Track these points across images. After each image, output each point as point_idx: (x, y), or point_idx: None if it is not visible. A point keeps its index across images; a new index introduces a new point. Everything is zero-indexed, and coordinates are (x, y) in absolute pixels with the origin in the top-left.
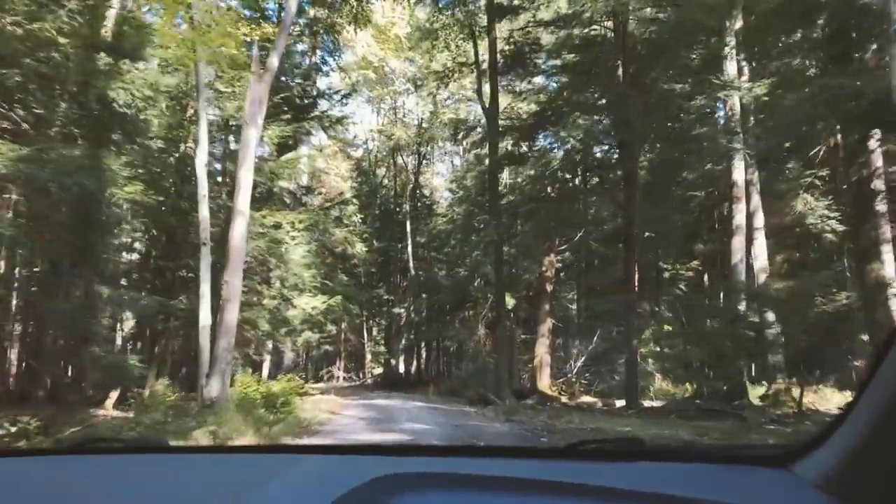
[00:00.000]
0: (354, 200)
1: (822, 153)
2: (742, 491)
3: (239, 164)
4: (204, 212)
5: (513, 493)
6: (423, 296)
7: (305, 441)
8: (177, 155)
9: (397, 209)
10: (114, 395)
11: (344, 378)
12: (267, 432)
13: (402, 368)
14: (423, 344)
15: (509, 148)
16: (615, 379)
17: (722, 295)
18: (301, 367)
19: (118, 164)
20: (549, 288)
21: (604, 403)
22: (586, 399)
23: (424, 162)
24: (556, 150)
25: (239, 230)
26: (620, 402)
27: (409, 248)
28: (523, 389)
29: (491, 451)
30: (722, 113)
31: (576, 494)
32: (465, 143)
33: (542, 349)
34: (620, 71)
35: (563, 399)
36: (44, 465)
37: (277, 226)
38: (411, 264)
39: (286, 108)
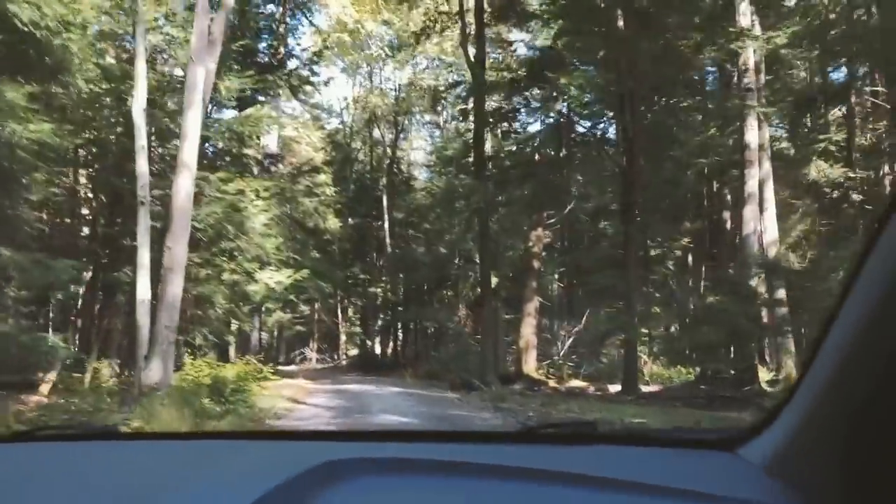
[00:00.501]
0: (326, 168)
1: (841, 114)
2: (690, 474)
3: (184, 107)
4: (142, 166)
5: (465, 478)
6: (401, 275)
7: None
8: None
9: (373, 184)
10: (51, 377)
11: (317, 360)
12: (211, 427)
13: (378, 350)
14: (399, 325)
15: (495, 106)
16: (602, 362)
17: (703, 276)
18: (272, 349)
19: (19, 93)
20: (536, 265)
21: (596, 388)
22: (576, 383)
23: (402, 135)
24: (541, 118)
25: (184, 187)
26: (613, 387)
27: (386, 225)
28: (508, 373)
29: (444, 436)
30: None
31: (530, 478)
32: (445, 113)
33: (528, 330)
34: (622, 18)
35: (552, 383)
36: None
37: (240, 192)
38: (388, 241)
39: (250, 62)
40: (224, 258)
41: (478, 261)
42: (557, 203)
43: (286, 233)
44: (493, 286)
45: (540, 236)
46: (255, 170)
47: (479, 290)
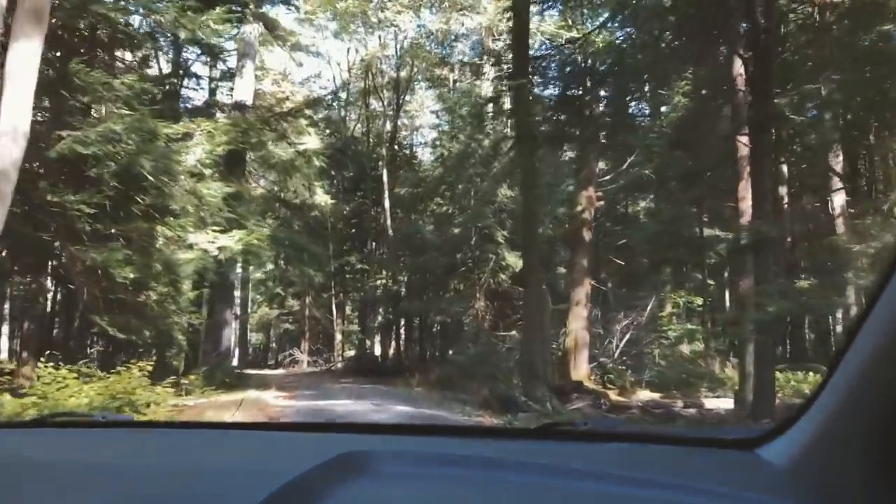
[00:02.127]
0: (309, 112)
1: None
2: (709, 473)
3: None
4: None
5: (481, 472)
6: (404, 260)
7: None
8: None
9: (371, 161)
10: None
11: (309, 362)
12: None
13: (378, 351)
14: (402, 321)
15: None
16: (659, 364)
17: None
18: (263, 350)
19: None
20: (586, 236)
21: (687, 404)
22: (646, 395)
23: (406, 96)
24: None
25: None
26: (715, 403)
27: (387, 204)
28: (557, 383)
29: (460, 431)
30: None
31: (547, 474)
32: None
33: (577, 323)
34: None
35: (613, 395)
36: (8, 437)
37: (186, 136)
38: (388, 223)
39: None
40: (139, 211)
41: (500, 239)
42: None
43: (265, 209)
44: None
45: (591, 198)
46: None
47: (500, 276)
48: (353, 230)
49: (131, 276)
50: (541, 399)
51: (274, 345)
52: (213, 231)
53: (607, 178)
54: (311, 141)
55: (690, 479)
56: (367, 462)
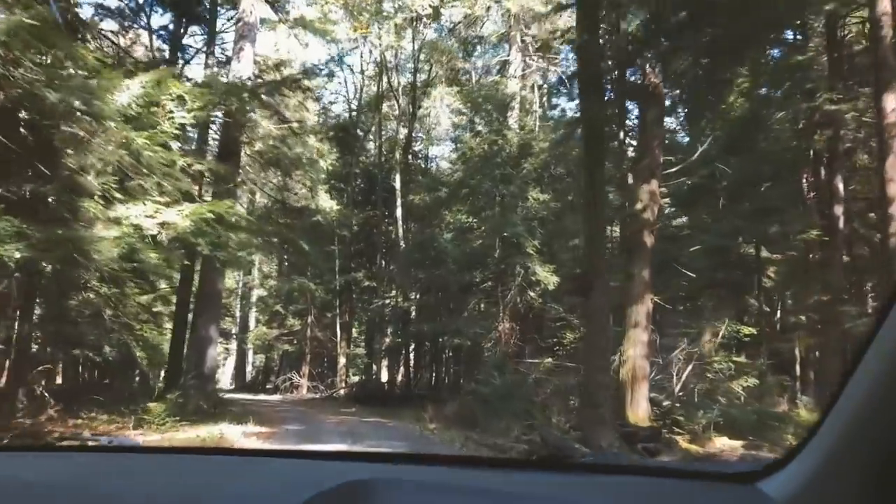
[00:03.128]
0: (306, 82)
1: None
2: None
3: None
4: None
5: (484, 501)
6: (417, 274)
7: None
8: None
9: (383, 172)
10: None
11: (309, 388)
12: None
13: (385, 376)
14: (412, 344)
15: None
16: (720, 402)
17: None
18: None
19: None
20: (648, 240)
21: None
22: (724, 443)
23: (423, 103)
24: None
25: None
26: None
27: (399, 212)
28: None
29: (468, 461)
30: None
31: None
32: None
33: (636, 349)
34: None
35: (682, 441)
36: (14, 461)
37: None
38: (401, 233)
39: None
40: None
41: (530, 250)
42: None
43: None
44: (549, 287)
45: (655, 193)
46: None
47: (528, 293)
48: (362, 244)
49: (17, 253)
50: (607, 449)
51: (276, 367)
52: (154, 202)
53: (674, 170)
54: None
55: None
56: (369, 491)
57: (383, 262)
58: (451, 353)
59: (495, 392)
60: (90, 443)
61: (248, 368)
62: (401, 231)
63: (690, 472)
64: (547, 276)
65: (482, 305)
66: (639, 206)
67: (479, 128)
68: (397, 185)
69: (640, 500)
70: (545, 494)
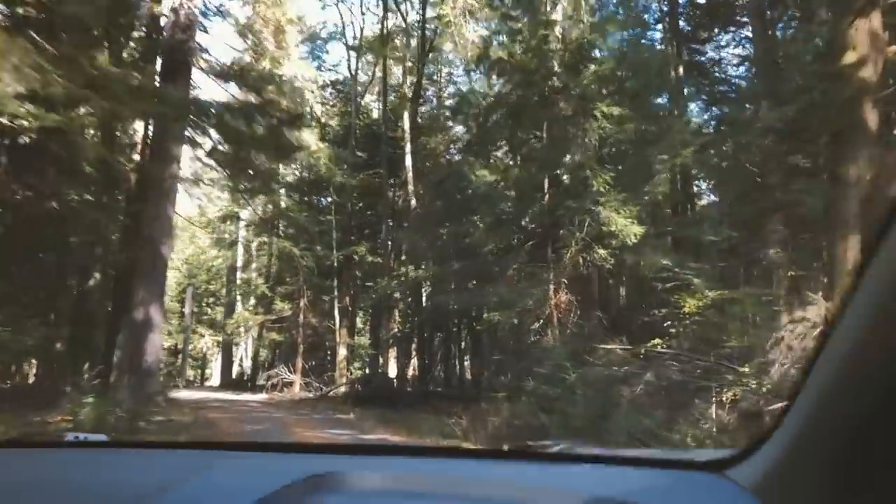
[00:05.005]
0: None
1: None
2: (678, 495)
3: None
4: None
5: (452, 493)
6: (439, 233)
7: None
8: None
9: (390, 126)
10: None
11: (303, 385)
12: None
13: (393, 370)
14: (426, 328)
15: None
16: None
17: None
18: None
19: None
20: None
21: None
22: None
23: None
24: None
25: None
26: None
27: (409, 161)
28: None
29: (433, 451)
30: None
31: (517, 495)
32: None
33: None
34: None
35: None
36: None
37: None
38: (411, 190)
39: None
40: None
41: (600, 187)
42: None
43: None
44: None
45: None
46: None
47: (597, 250)
48: (364, 213)
49: None
50: None
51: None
52: None
53: None
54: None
55: (660, 500)
56: (335, 482)
57: (390, 230)
58: (477, 338)
59: (569, 392)
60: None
61: (245, 363)
62: (411, 187)
63: (660, 460)
64: (625, 226)
65: (527, 272)
66: None
67: (517, 24)
68: (405, 126)
69: (611, 488)
70: (511, 484)
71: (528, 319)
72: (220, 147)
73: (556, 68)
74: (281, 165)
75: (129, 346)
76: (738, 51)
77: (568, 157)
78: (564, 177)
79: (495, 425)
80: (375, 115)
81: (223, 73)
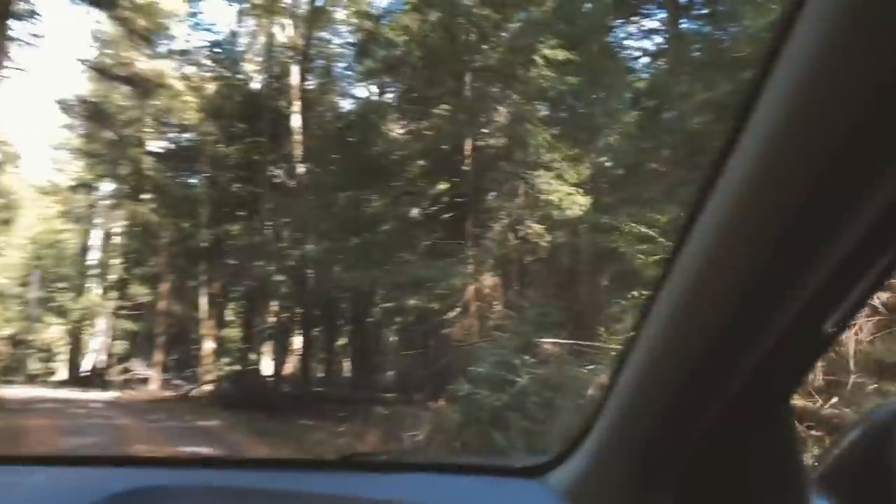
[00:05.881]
0: None
1: None
2: (496, 501)
3: None
4: None
5: None
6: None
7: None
8: None
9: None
10: None
11: (162, 383)
12: None
13: (269, 369)
14: (311, 317)
15: None
16: None
17: None
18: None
19: None
20: None
21: None
22: None
23: None
24: None
25: None
26: None
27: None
28: None
29: (259, 463)
30: None
31: None
32: None
33: None
34: None
35: None
36: None
37: None
38: (298, 155)
39: None
40: None
41: (543, 140)
42: None
43: None
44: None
45: None
46: None
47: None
48: (241, 186)
49: None
50: None
51: (122, 353)
52: None
53: None
54: None
55: None
56: (153, 498)
57: (271, 210)
58: (374, 331)
59: (522, 400)
60: None
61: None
62: (299, 152)
63: (483, 467)
64: (564, 196)
65: (441, 250)
66: None
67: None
68: (293, 84)
69: (434, 496)
70: (342, 495)
71: (443, 307)
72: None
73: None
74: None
75: None
76: None
77: (501, 113)
78: (493, 137)
79: (416, 442)
80: (260, 81)
81: None
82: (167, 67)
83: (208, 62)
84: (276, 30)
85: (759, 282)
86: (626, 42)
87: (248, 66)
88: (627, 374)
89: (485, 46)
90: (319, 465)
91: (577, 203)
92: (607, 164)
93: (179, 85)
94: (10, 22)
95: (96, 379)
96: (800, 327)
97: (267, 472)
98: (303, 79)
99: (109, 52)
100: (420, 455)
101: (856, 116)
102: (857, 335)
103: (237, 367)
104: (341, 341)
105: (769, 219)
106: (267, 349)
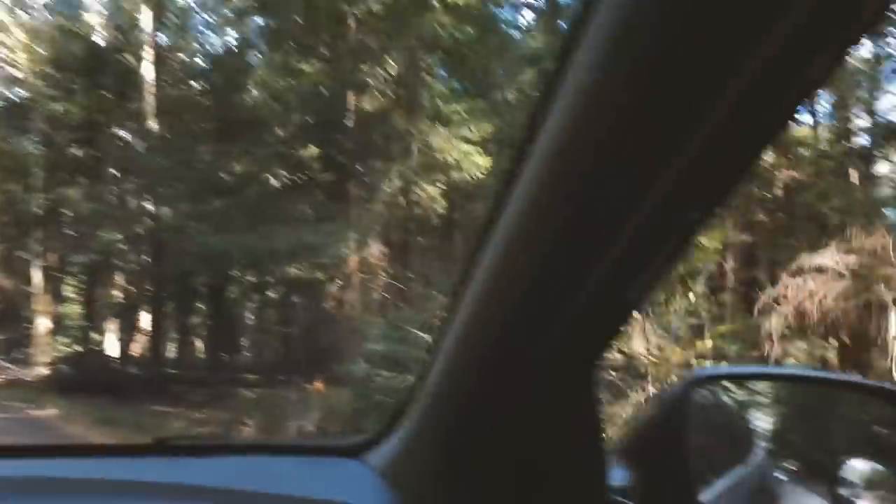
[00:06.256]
0: None
1: None
2: (316, 482)
3: None
4: None
5: (88, 495)
6: (190, 168)
7: None
8: None
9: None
10: None
11: None
12: None
13: (115, 348)
14: (161, 295)
15: None
16: None
17: None
18: None
19: None
20: None
21: None
22: None
23: None
24: None
25: None
26: None
27: (151, 81)
28: None
29: (66, 451)
30: None
31: (157, 493)
32: None
33: None
34: None
35: None
36: None
37: None
38: (151, 111)
39: None
40: None
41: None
42: None
43: None
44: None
45: None
46: None
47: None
48: (82, 144)
49: None
50: None
51: None
52: None
53: None
54: None
55: (298, 488)
56: None
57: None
58: (237, 304)
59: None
60: None
61: None
62: (151, 107)
63: (303, 447)
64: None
65: (320, 215)
66: None
67: None
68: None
69: (253, 478)
70: (157, 482)
71: (320, 279)
72: None
73: None
74: None
75: None
76: None
77: (387, 64)
78: (379, 90)
79: (305, 431)
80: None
81: None
82: None
83: (44, 7)
84: None
85: (559, 259)
86: None
87: (92, 12)
88: (440, 354)
89: None
90: (132, 450)
91: (476, 164)
92: (509, 120)
93: (11, 33)
94: None
95: None
96: (601, 300)
97: (71, 461)
98: (156, 26)
99: None
100: (239, 437)
101: (638, 113)
102: None
103: (77, 348)
104: (198, 318)
105: (564, 201)
106: (112, 327)
